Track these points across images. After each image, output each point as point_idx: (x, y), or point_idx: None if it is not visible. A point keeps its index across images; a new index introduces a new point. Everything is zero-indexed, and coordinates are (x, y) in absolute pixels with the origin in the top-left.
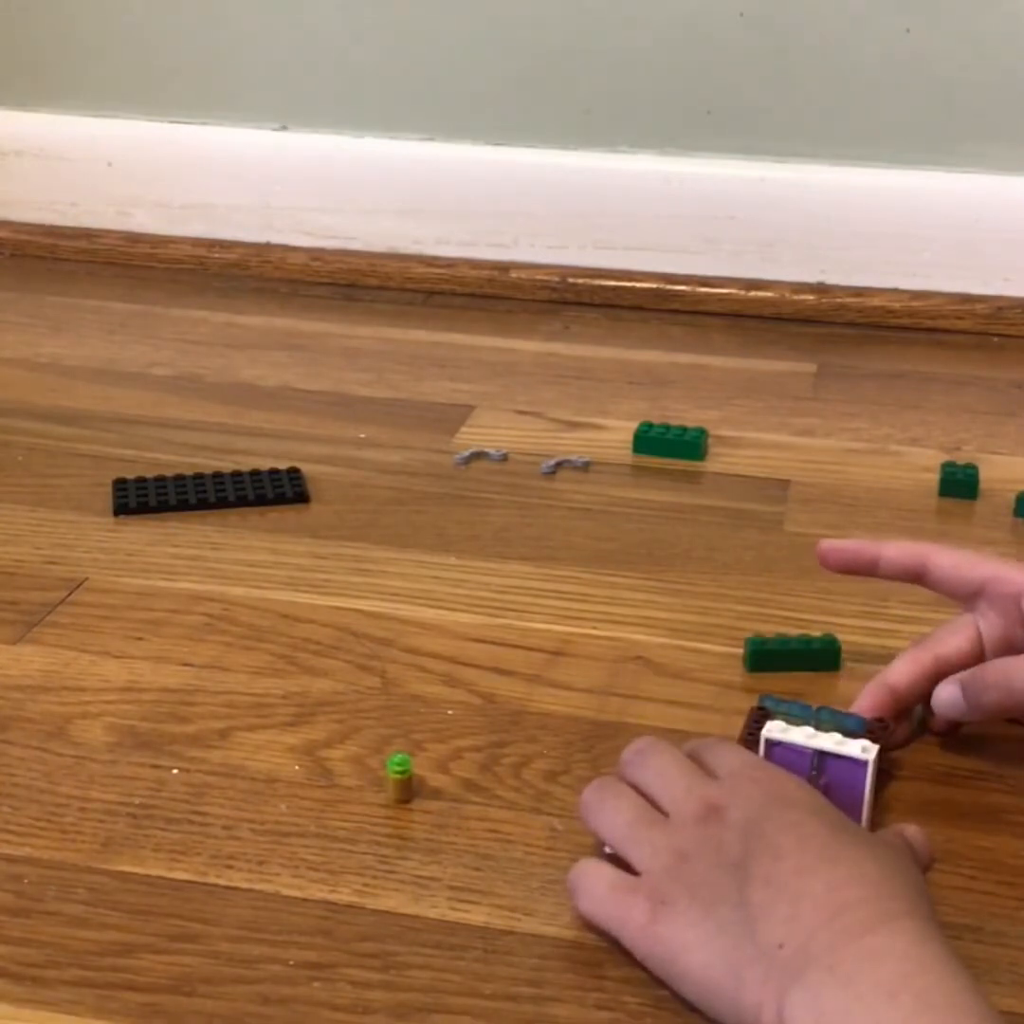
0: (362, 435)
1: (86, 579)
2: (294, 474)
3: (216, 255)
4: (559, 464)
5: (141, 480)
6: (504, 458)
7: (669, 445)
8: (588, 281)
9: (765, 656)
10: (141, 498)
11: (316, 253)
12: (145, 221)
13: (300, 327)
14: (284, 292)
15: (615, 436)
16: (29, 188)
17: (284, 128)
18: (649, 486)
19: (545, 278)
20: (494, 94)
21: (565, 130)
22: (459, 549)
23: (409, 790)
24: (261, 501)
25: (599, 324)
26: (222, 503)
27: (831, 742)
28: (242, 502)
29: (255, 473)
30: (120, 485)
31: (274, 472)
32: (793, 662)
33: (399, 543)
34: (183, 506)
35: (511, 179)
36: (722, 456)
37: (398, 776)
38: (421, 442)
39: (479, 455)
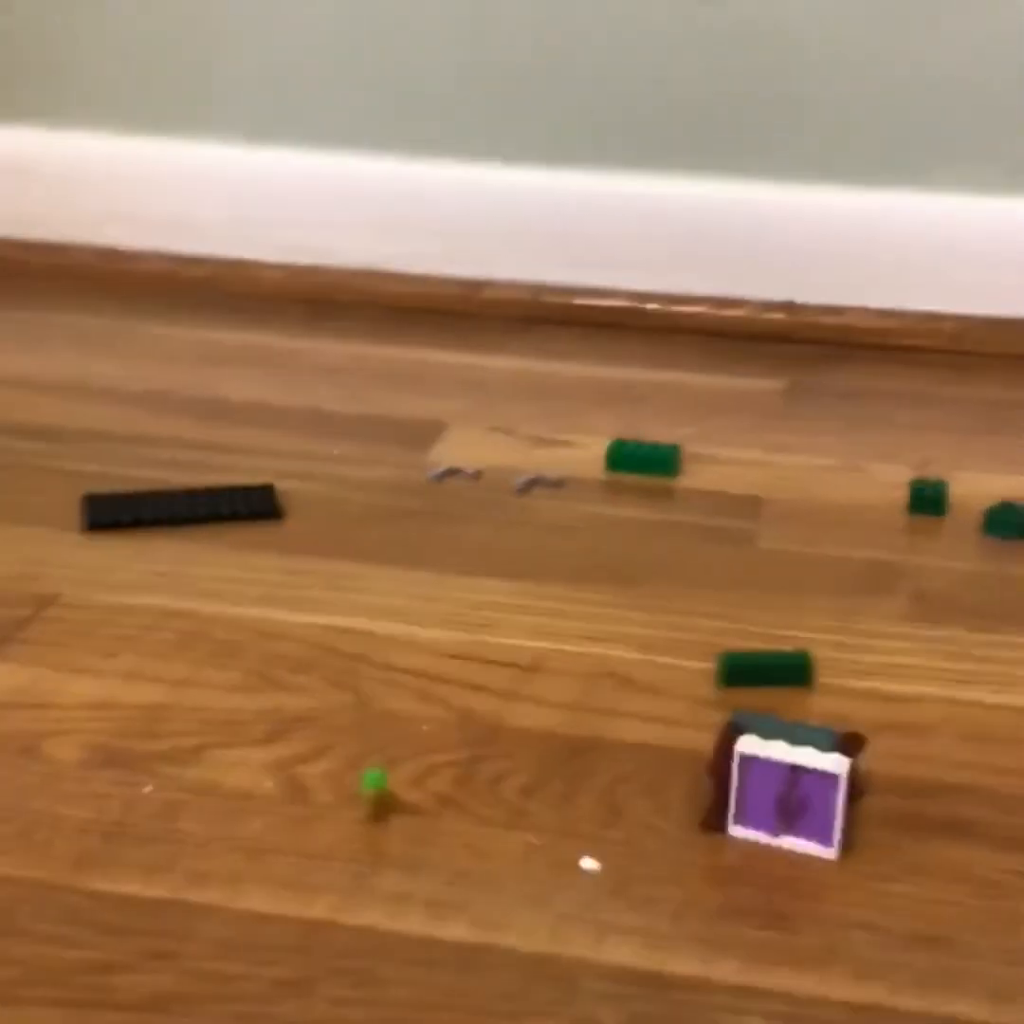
0: (336, 451)
1: (57, 595)
2: (267, 490)
3: (188, 271)
4: (533, 481)
5: (112, 496)
6: (478, 475)
7: (642, 461)
8: (561, 299)
9: (737, 671)
10: (112, 513)
11: (289, 269)
12: (117, 235)
13: (273, 343)
14: (256, 308)
15: (588, 453)
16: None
17: (255, 143)
18: (622, 503)
19: (518, 296)
20: (468, 111)
21: (538, 148)
22: (433, 565)
23: (384, 806)
24: (234, 517)
25: (572, 341)
26: (194, 519)
27: (805, 756)
28: (215, 518)
29: (228, 489)
30: (91, 500)
31: (247, 488)
32: (765, 677)
33: (373, 559)
34: (155, 521)
35: (484, 197)
36: (695, 473)
37: (373, 792)
38: (395, 458)
39: (452, 472)
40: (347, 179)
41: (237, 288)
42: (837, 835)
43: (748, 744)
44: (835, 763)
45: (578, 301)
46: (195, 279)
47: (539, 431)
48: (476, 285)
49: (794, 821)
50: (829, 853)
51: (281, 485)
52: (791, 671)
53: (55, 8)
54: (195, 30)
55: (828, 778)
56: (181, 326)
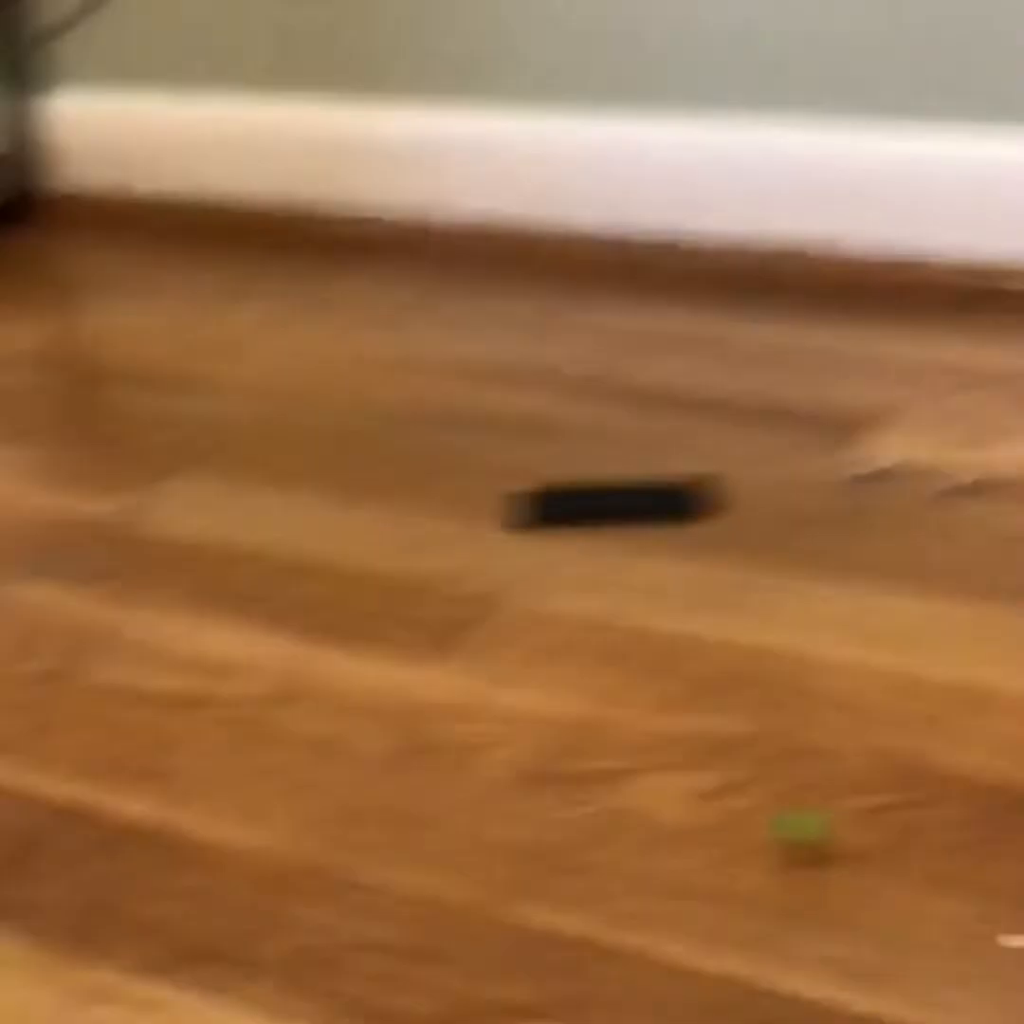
0: (755, 447)
1: (490, 598)
2: (687, 489)
3: (623, 253)
4: (956, 486)
5: (544, 491)
6: (903, 476)
7: None
8: (1014, 284)
9: None
10: (546, 510)
11: (721, 250)
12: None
13: (706, 326)
14: (689, 289)
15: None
16: (465, 185)
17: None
18: None
19: (964, 277)
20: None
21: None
22: (861, 578)
23: (809, 853)
24: (656, 516)
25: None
26: (615, 517)
27: None
28: (634, 516)
29: (650, 487)
30: (524, 497)
31: (668, 486)
32: None
33: (807, 570)
34: (584, 519)
35: (926, 169)
36: None
37: (799, 837)
38: (819, 455)
39: (878, 473)
40: (788, 152)
41: (672, 267)
42: None
43: None
44: None
45: None
46: (628, 261)
47: (978, 429)
48: (917, 266)
49: None
50: None
51: (701, 477)
52: None
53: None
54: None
55: None
56: (613, 311)
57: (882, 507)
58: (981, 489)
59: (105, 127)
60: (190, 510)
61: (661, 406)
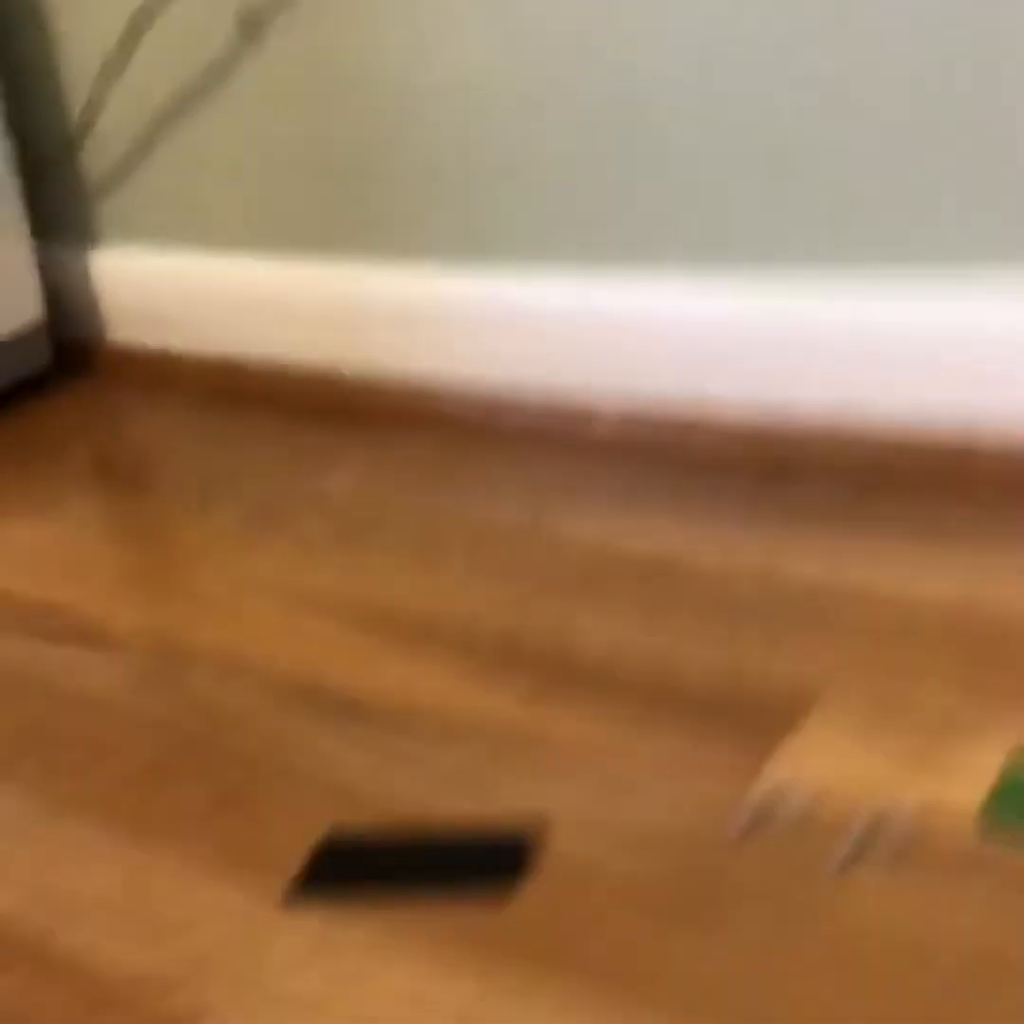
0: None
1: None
2: (518, 842)
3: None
4: (869, 834)
5: (330, 844)
6: (803, 819)
7: None
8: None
9: None
10: (329, 868)
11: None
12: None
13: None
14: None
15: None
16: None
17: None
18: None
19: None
20: None
21: None
22: (669, 1007)
23: None
24: (473, 876)
25: None
26: (425, 879)
27: None
28: (447, 877)
29: (465, 843)
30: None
31: (487, 840)
32: None
33: (601, 986)
34: (376, 881)
35: None
36: None
37: None
38: (714, 781)
39: (768, 813)
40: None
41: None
42: None
43: None
44: None
45: None
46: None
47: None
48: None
49: None
50: None
51: (525, 826)
52: None
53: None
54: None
55: None
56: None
57: (752, 880)
58: (905, 856)
59: (144, 284)
60: None
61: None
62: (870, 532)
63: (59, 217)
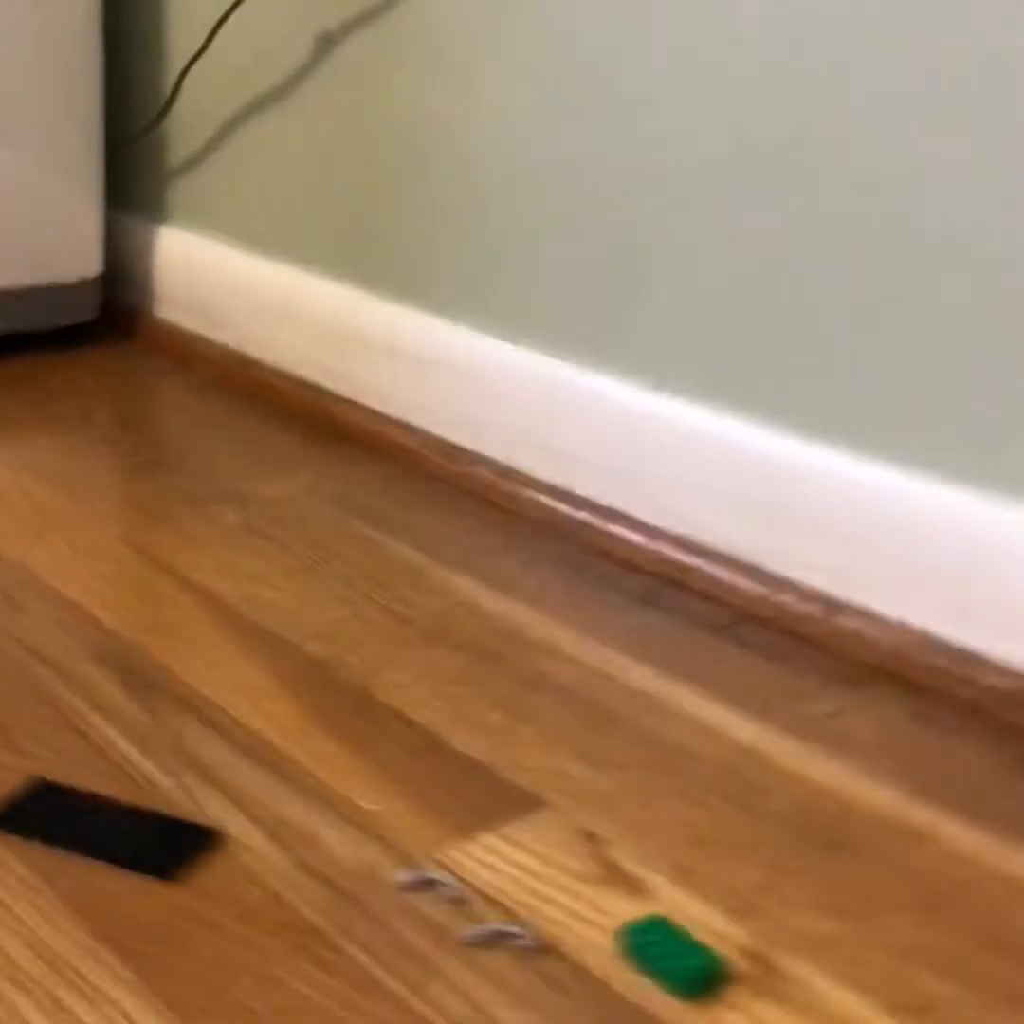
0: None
1: None
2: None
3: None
4: (499, 932)
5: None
6: (460, 900)
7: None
8: None
9: None
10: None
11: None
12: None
13: None
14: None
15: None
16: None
17: None
18: None
19: None
20: None
21: None
22: None
23: None
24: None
25: None
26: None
27: None
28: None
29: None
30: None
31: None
32: None
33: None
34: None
35: None
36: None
37: None
38: (427, 839)
39: (430, 882)
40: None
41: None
42: None
43: None
44: None
45: None
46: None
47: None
48: None
49: None
50: None
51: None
52: None
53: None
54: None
55: None
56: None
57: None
58: (515, 942)
59: (188, 266)
60: None
61: None
62: None
63: (132, 189)
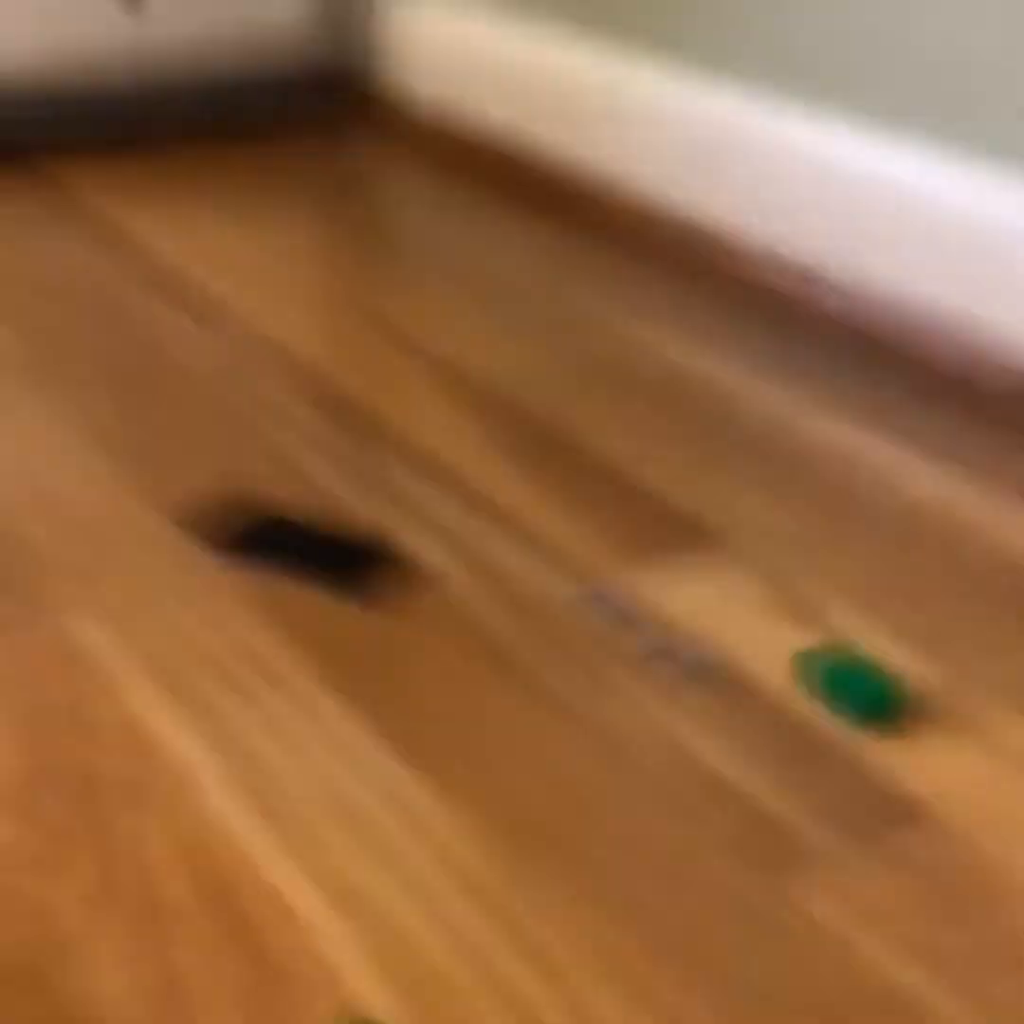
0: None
1: None
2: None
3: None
4: (666, 648)
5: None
6: (632, 620)
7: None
8: None
9: None
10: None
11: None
12: None
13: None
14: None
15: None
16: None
17: None
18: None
19: None
20: None
21: None
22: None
23: None
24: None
25: None
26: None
27: None
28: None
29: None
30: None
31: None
32: None
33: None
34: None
35: None
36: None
37: None
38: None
39: (602, 597)
40: None
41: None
42: None
43: None
44: None
45: None
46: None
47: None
48: None
49: None
50: None
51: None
52: None
53: None
54: None
55: None
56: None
57: (553, 650)
58: (688, 662)
59: (440, 47)
60: None
61: None
62: None
63: None
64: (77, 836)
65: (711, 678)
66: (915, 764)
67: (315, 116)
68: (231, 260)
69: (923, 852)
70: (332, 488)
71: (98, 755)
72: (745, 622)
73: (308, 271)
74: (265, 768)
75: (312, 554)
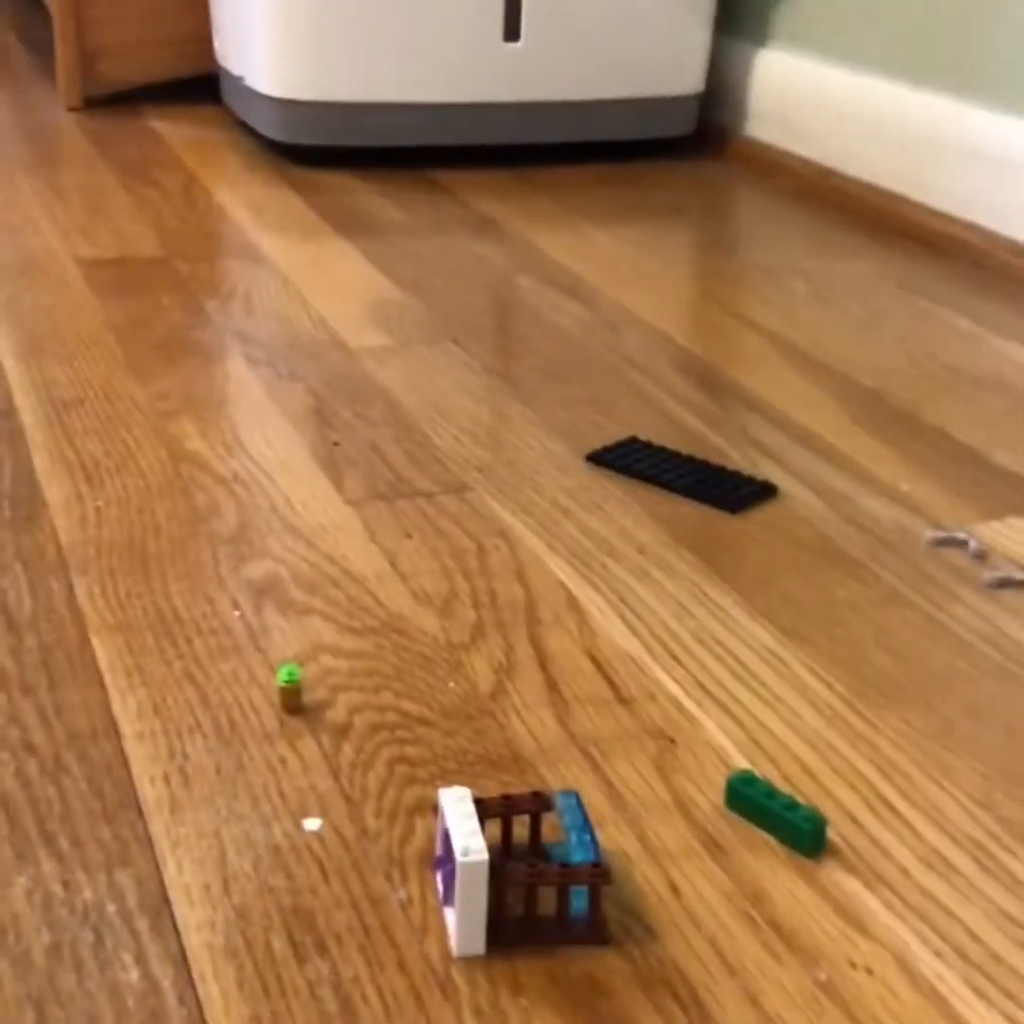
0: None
1: None
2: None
3: None
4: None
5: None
6: (981, 554)
7: None
8: None
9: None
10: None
11: None
12: None
13: None
14: None
15: None
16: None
17: None
18: None
19: None
20: None
21: None
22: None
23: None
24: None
25: None
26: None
27: (460, 829)
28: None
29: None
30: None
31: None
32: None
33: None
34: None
35: None
36: None
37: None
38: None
39: (955, 541)
40: None
41: None
42: (453, 927)
43: (451, 797)
44: (466, 851)
45: None
46: None
47: None
48: None
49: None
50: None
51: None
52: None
53: None
54: None
55: (457, 865)
56: None
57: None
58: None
59: (786, 87)
60: None
61: None
62: None
63: (735, 14)
64: (486, 631)
65: None
66: None
67: (680, 146)
68: (608, 261)
69: None
70: (698, 430)
71: (501, 585)
72: None
73: (675, 270)
74: (655, 620)
75: (685, 475)
